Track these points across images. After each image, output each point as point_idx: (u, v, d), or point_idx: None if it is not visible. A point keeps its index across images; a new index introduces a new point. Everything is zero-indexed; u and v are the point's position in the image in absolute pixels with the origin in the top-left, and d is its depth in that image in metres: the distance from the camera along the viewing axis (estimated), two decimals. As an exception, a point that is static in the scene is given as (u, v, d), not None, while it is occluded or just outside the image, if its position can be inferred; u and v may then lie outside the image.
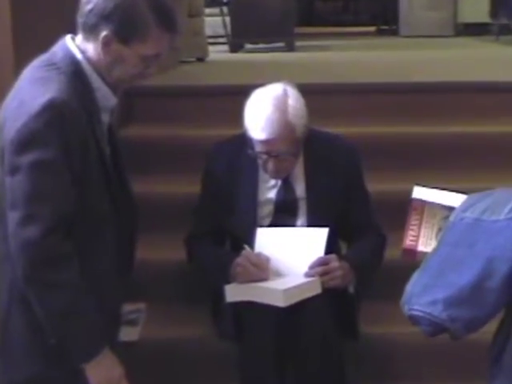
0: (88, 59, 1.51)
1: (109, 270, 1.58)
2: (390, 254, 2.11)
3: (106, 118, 1.58)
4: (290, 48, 5.35)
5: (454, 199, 1.34)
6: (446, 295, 1.21)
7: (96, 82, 1.52)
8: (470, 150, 2.81)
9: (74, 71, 1.50)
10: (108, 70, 1.52)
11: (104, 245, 1.56)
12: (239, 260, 1.98)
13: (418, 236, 1.36)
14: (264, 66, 4.25)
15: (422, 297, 1.23)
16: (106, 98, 1.55)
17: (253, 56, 5.19)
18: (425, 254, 1.33)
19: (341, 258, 2.04)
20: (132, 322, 2.16)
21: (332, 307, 1.98)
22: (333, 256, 2.00)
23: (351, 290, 2.05)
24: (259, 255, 1.99)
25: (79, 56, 1.52)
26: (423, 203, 1.36)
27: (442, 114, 2.99)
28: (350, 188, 2.11)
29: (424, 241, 1.36)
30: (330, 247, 2.01)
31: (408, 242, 1.36)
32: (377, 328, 2.25)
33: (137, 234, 1.69)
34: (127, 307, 2.11)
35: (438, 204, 1.36)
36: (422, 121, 2.95)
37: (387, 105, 3.04)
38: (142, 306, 2.22)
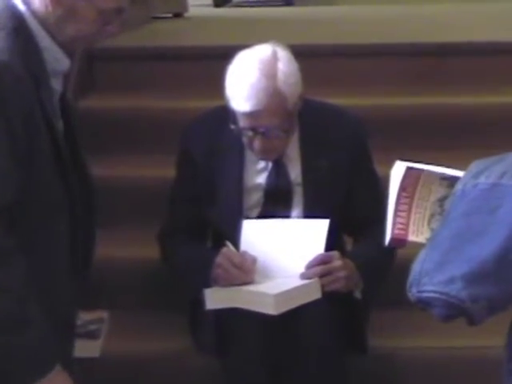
0: (33, 12, 1.51)
1: (62, 270, 1.58)
2: (405, 251, 2.11)
3: (57, 84, 1.58)
4: (288, 2, 5.34)
5: (452, 172, 1.35)
6: (465, 271, 1.22)
7: (44, 40, 1.52)
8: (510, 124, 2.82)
9: (16, 27, 1.49)
10: (58, 26, 1.52)
11: (56, 240, 1.57)
12: (219, 260, 2.00)
13: (407, 224, 1.37)
14: (255, 23, 4.24)
15: (436, 275, 1.24)
16: (57, 59, 1.54)
17: (242, 12, 5.18)
18: (416, 244, 1.34)
19: (345, 255, 2.05)
20: (91, 335, 2.18)
21: (334, 315, 1.99)
22: (335, 253, 2.01)
23: (357, 294, 2.07)
24: (243, 255, 2.00)
25: (22, 8, 1.51)
26: (418, 176, 1.36)
27: (474, 82, 3.00)
28: (356, 172, 2.12)
29: (414, 229, 1.37)
30: (332, 243, 2.02)
31: (396, 230, 1.37)
32: (388, 341, 2.27)
33: (96, 226, 1.69)
34: (85, 316, 2.12)
35: (438, 174, 1.36)
36: (448, 90, 2.96)
37: (404, 70, 3.04)
38: (103, 314, 2.23)
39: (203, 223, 2.18)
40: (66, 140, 1.60)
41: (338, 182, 2.10)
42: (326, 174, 2.08)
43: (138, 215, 2.59)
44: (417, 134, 2.83)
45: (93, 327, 2.20)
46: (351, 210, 2.13)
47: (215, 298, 1.98)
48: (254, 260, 1.99)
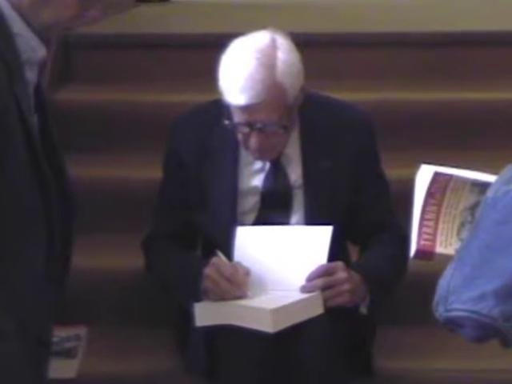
0: (5, -5, 1.52)
1: (36, 282, 1.58)
2: (416, 262, 2.11)
3: (32, 75, 1.58)
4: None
5: (484, 176, 1.35)
6: (496, 286, 1.21)
7: (17, 25, 1.52)
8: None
9: None
10: (33, 11, 1.52)
11: (30, 248, 1.57)
12: (208, 271, 1.99)
13: (434, 234, 1.37)
14: (252, 8, 4.23)
15: (464, 292, 1.23)
16: (32, 47, 1.55)
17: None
18: (444, 256, 1.34)
19: (350, 266, 2.05)
20: (68, 353, 2.18)
21: (337, 333, 2.00)
22: (339, 264, 2.01)
23: (363, 310, 2.07)
24: (235, 266, 2.00)
25: (-7, -9, 1.52)
26: (447, 181, 1.37)
27: (495, 75, 2.99)
28: (363, 173, 2.12)
29: (443, 240, 1.37)
30: (336, 252, 2.02)
31: (422, 241, 1.37)
32: (397, 362, 2.27)
33: (74, 233, 1.69)
34: (61, 333, 2.12)
35: (469, 180, 1.36)
36: (466, 84, 2.96)
37: (417, 62, 3.04)
38: (81, 331, 2.24)
39: (193, 230, 2.18)
40: (41, 137, 1.60)
41: (343, 185, 2.10)
42: (330, 176, 2.08)
43: (120, 221, 2.59)
44: (430, 132, 2.83)
45: (69, 345, 2.20)
46: (357, 215, 2.13)
47: (206, 314, 1.98)
48: (246, 272, 1.99)
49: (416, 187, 1.40)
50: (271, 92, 1.95)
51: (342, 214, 2.09)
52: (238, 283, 1.97)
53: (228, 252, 2.05)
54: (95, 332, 2.28)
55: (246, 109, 1.96)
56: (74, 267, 1.72)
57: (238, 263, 2.01)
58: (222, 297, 1.97)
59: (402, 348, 2.31)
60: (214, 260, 2.02)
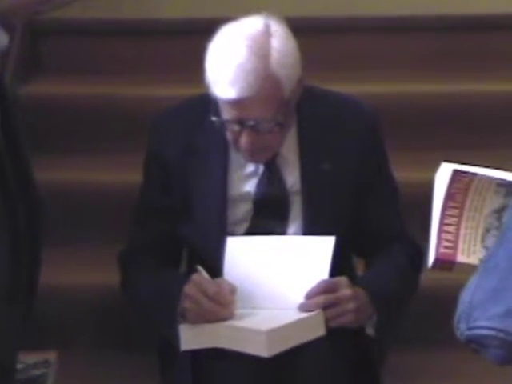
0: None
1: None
2: (432, 275, 2.11)
3: (-8, 66, 1.58)
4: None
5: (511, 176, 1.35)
6: None
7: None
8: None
9: None
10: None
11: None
12: (188, 290, 1.97)
13: (455, 241, 1.37)
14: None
15: (490, 307, 1.24)
16: (-8, 35, 1.55)
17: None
18: (466, 266, 1.34)
19: (354, 282, 2.04)
20: (36, 381, 2.17)
21: (342, 357, 2.00)
22: (342, 280, 2.01)
23: (370, 330, 2.07)
24: (218, 283, 1.98)
25: None
26: (469, 181, 1.36)
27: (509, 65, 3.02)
28: (368, 177, 2.12)
29: (465, 247, 1.37)
30: (339, 266, 2.02)
31: (442, 249, 1.37)
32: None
33: (41, 246, 1.68)
34: (28, 358, 2.12)
35: (494, 179, 1.36)
36: (486, 74, 2.98)
37: (427, 50, 3.07)
38: (50, 356, 2.23)
39: (176, 242, 2.18)
40: (4, 137, 1.59)
41: (347, 190, 2.10)
42: (332, 180, 2.08)
43: (95, 231, 2.59)
44: (445, 128, 2.84)
45: (37, 372, 2.20)
46: (363, 224, 2.13)
47: (192, 336, 1.96)
48: (232, 289, 1.97)
49: (435, 188, 1.40)
50: (265, 84, 1.94)
51: (345, 223, 2.09)
52: (224, 303, 1.95)
53: (216, 266, 2.04)
54: (66, 357, 2.27)
55: (236, 103, 1.96)
56: (42, 284, 1.72)
57: (223, 280, 2.00)
58: (206, 318, 1.94)
59: (414, 373, 2.33)
60: (194, 277, 1.99)
